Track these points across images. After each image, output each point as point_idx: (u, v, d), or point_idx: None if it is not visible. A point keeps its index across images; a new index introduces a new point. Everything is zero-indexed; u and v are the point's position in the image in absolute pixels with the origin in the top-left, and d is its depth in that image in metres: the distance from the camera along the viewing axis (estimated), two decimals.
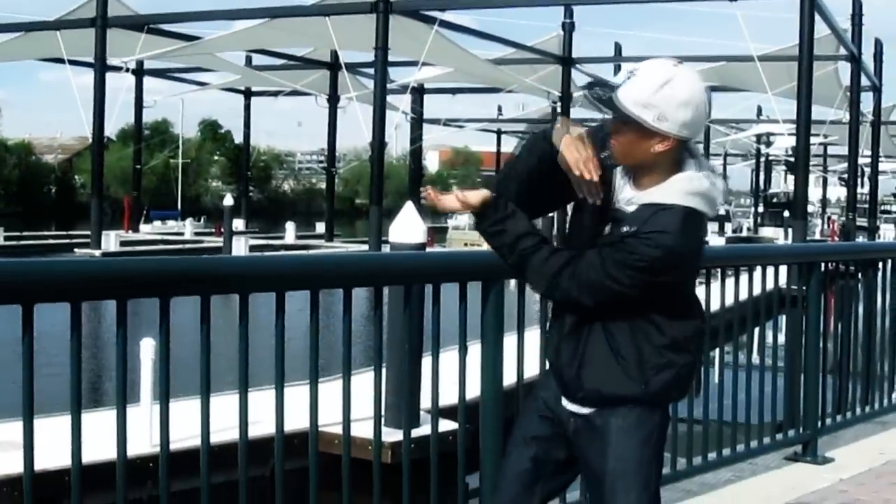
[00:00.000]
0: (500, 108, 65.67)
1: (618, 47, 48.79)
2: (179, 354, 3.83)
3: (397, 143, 76.90)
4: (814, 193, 64.44)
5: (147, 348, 9.51)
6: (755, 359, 7.13)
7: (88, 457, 3.64)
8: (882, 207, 62.30)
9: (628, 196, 3.41)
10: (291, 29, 36.52)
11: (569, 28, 42.61)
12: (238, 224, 44.47)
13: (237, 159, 79.61)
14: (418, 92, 50.57)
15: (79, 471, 3.47)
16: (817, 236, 57.50)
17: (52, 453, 5.60)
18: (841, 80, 39.17)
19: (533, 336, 4.78)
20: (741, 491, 6.31)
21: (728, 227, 69.29)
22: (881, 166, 53.17)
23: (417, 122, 53.86)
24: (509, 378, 4.81)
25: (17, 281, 3.32)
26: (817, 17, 29.92)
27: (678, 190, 3.33)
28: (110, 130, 45.92)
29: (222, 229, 39.57)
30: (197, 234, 48.61)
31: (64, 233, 47.33)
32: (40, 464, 3.50)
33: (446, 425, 5.10)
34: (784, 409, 7.46)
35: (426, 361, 4.56)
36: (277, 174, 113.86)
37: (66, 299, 3.39)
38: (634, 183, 3.43)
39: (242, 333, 3.85)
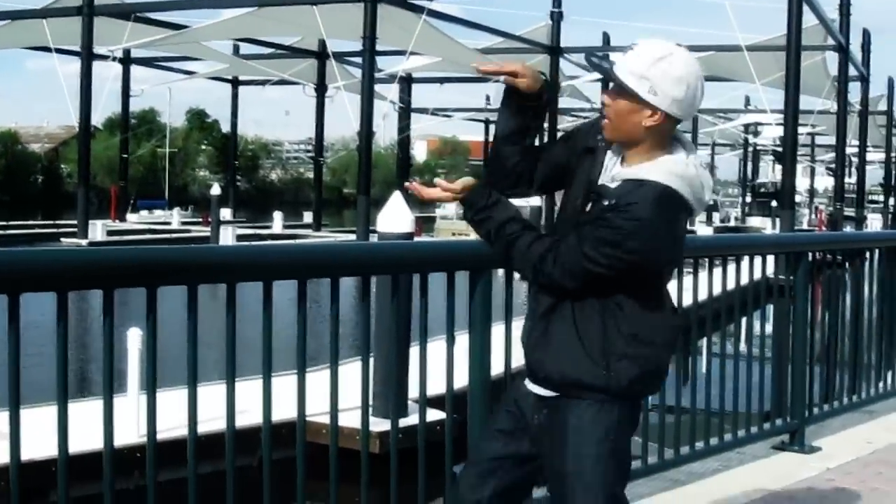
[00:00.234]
0: (487, 98, 65.55)
1: (606, 37, 48.76)
2: (167, 344, 3.82)
3: (385, 133, 76.94)
4: (801, 183, 64.51)
5: (134, 338, 9.49)
6: (743, 348, 7.14)
7: (75, 447, 3.63)
8: (869, 197, 62.41)
9: (614, 173, 3.43)
10: (279, 18, 36.44)
11: (557, 17, 42.61)
12: (225, 213, 44.32)
13: (224, 148, 79.38)
14: (406, 81, 50.55)
15: (65, 461, 3.46)
16: (805, 226, 57.60)
17: (39, 443, 5.59)
18: (829, 70, 39.24)
19: (520, 326, 4.77)
20: (728, 480, 6.32)
21: (716, 216, 69.47)
22: (868, 156, 53.30)
23: (405, 112, 53.85)
24: (497, 368, 4.81)
25: (2, 270, 3.30)
26: (805, 7, 29.95)
27: (662, 169, 3.33)
28: (97, 119, 45.69)
29: (209, 219, 39.49)
30: (184, 223, 48.50)
31: (50, 222, 47.19)
32: (27, 454, 3.49)
33: (434, 415, 5.10)
34: (771, 399, 7.48)
35: (414, 351, 4.56)
36: (265, 164, 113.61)
37: (53, 289, 3.38)
38: (622, 163, 3.46)
39: (230, 323, 3.84)
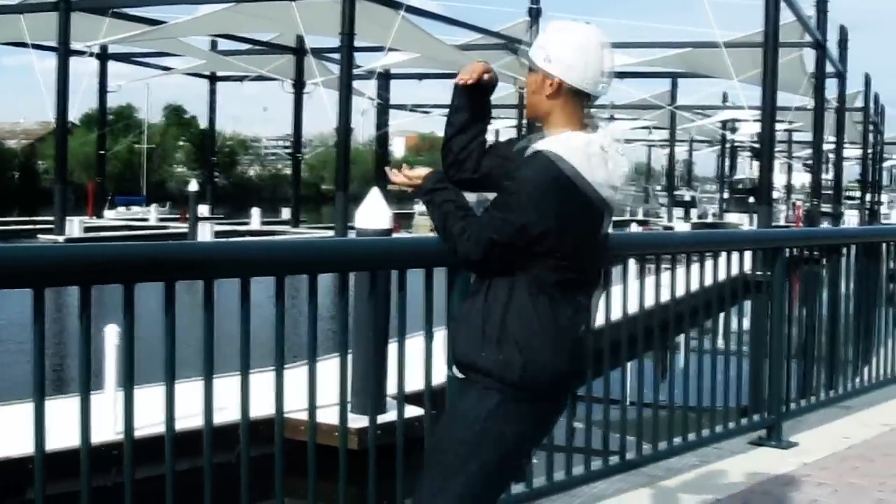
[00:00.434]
0: None
1: None
2: (144, 341, 3.80)
3: (363, 129, 76.78)
4: (779, 179, 64.82)
5: (111, 335, 9.46)
6: (720, 344, 7.16)
7: (52, 444, 3.61)
8: (846, 193, 62.63)
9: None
10: (257, 13, 36.36)
11: (535, 14, 42.61)
12: (203, 210, 44.25)
13: (202, 145, 79.11)
14: (384, 77, 50.53)
15: (42, 458, 3.45)
16: (782, 222, 57.80)
17: (16, 441, 5.57)
18: (806, 67, 39.35)
19: None
20: (706, 475, 6.34)
21: (694, 212, 69.72)
22: (845, 152, 53.47)
23: (383, 108, 53.78)
24: None
25: None
26: (782, 4, 30.04)
27: (559, 141, 3.33)
28: (74, 115, 45.65)
29: (187, 215, 39.38)
30: (162, 219, 48.38)
31: (27, 218, 46.98)
32: (3, 451, 3.48)
33: (412, 411, 5.11)
34: (749, 394, 7.51)
35: (392, 347, 4.56)
36: (243, 160, 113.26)
37: (29, 285, 3.37)
38: None
39: (207, 320, 3.84)
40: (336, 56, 36.41)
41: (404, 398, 4.72)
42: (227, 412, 4.43)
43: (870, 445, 7.31)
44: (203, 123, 76.68)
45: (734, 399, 7.07)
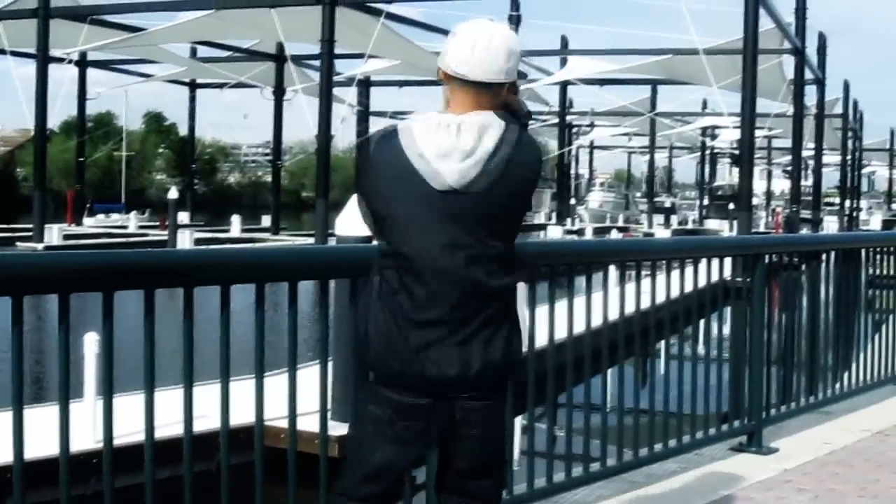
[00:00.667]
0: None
1: (564, 40, 48.95)
2: (124, 349, 3.79)
3: (343, 136, 76.84)
4: (758, 186, 64.94)
5: (90, 343, 9.42)
6: (700, 350, 7.17)
7: (31, 453, 3.59)
8: (825, 200, 62.85)
9: None
10: (237, 20, 36.33)
11: (515, 21, 42.67)
12: (183, 217, 44.12)
13: (182, 152, 78.86)
14: (365, 84, 50.57)
15: (21, 467, 3.43)
16: (762, 228, 57.97)
17: None
18: (785, 74, 39.50)
19: None
20: (687, 482, 6.34)
21: (674, 219, 69.92)
22: (825, 159, 53.68)
23: (364, 115, 53.77)
24: None
25: None
26: (762, 11, 30.16)
27: (419, 117, 3.50)
28: (53, 122, 45.46)
29: (167, 222, 39.26)
30: (141, 227, 48.15)
31: (6, 226, 46.67)
32: None
33: None
34: (729, 400, 7.52)
35: None
36: (223, 167, 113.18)
37: (8, 293, 3.35)
38: None
39: (187, 327, 3.82)
40: (316, 63, 36.40)
41: None
42: (207, 420, 4.41)
43: (850, 451, 7.33)
44: (183, 130, 76.47)
45: (715, 405, 7.08)
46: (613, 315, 6.00)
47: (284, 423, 4.22)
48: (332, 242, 19.09)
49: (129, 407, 4.45)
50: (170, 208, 38.15)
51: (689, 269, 6.77)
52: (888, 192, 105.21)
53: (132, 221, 48.71)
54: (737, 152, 43.02)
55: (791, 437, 7.57)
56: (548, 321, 5.45)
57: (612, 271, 6.28)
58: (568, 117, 60.45)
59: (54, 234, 37.38)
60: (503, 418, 3.63)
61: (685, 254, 7.14)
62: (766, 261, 7.47)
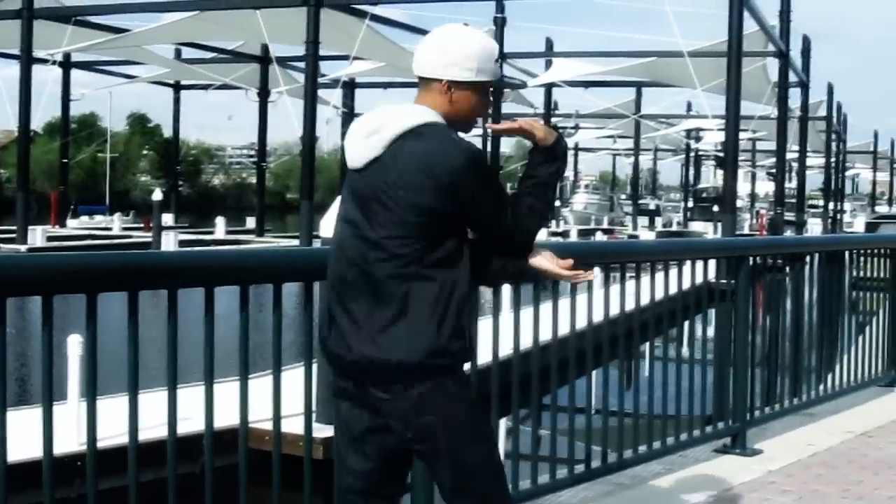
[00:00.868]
0: None
1: (549, 42, 48.95)
2: (108, 351, 3.78)
3: (328, 138, 76.45)
4: (743, 188, 65.09)
5: (74, 345, 9.39)
6: (685, 352, 7.18)
7: (14, 455, 3.58)
8: (809, 202, 62.99)
9: None
10: (221, 22, 36.22)
11: (500, 23, 42.63)
12: (167, 219, 44.03)
13: (166, 153, 78.70)
14: (349, 86, 50.44)
15: (3, 470, 3.42)
16: (746, 230, 58.08)
17: None
18: (769, 77, 39.56)
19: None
20: (671, 483, 6.36)
21: (658, 221, 69.98)
22: (808, 161, 53.74)
23: (348, 117, 53.65)
24: None
25: None
26: (746, 14, 30.19)
27: None
28: (37, 124, 45.27)
29: (151, 224, 39.16)
30: (125, 229, 47.98)
31: None
32: None
33: None
34: (713, 402, 7.53)
35: None
36: (207, 168, 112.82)
37: None
38: None
39: (171, 329, 3.81)
40: (301, 64, 36.31)
41: None
42: (191, 422, 4.40)
43: (834, 452, 7.35)
44: (167, 132, 76.41)
45: (699, 407, 7.09)
46: (598, 317, 6.00)
47: (269, 426, 4.22)
48: (316, 244, 19.07)
49: (113, 409, 4.44)
50: (154, 210, 38.07)
51: (673, 271, 6.78)
52: (871, 194, 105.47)
53: (116, 223, 48.56)
54: (721, 154, 43.06)
55: (775, 439, 7.59)
56: (532, 323, 5.45)
57: (597, 273, 6.28)
58: (553, 119, 60.43)
59: (38, 235, 37.24)
60: (422, 417, 3.45)
61: (670, 256, 7.16)
62: (751, 263, 7.49)
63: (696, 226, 62.84)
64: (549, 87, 52.44)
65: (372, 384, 3.45)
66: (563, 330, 5.66)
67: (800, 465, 6.96)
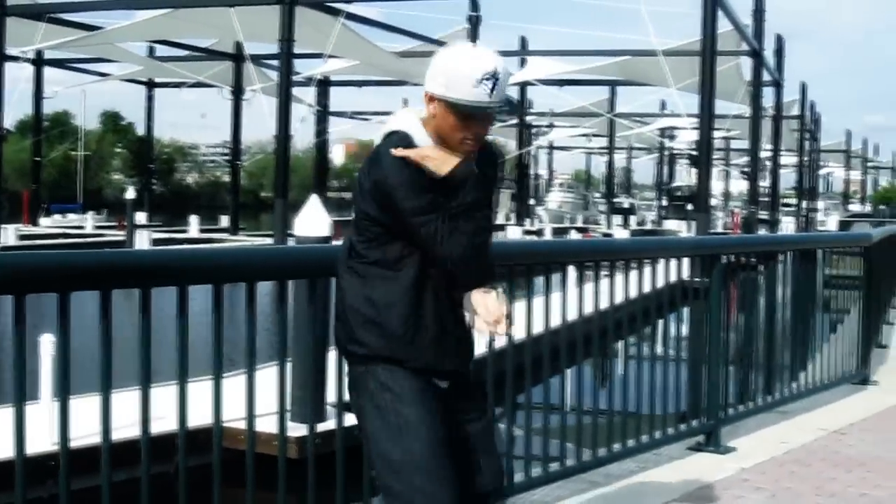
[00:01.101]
0: (405, 101, 65.31)
1: (524, 41, 49.03)
2: (81, 351, 3.76)
3: (303, 136, 76.31)
4: (716, 187, 65.34)
5: (46, 344, 9.35)
6: (659, 350, 7.19)
7: None
8: (783, 200, 63.24)
9: None
10: (195, 19, 36.14)
11: (475, 21, 42.66)
12: (141, 217, 43.83)
13: (140, 151, 78.28)
14: (324, 84, 50.41)
15: None
16: (720, 229, 58.29)
17: None
18: (743, 76, 39.72)
19: None
20: (645, 481, 6.37)
21: (632, 220, 70.19)
22: (782, 160, 53.99)
23: (323, 115, 53.64)
24: None
25: None
26: (720, 13, 30.31)
27: None
28: (9, 122, 45.09)
29: (124, 223, 39.04)
30: (98, 227, 47.79)
31: None
32: None
33: (352, 419, 5.07)
34: (687, 400, 7.55)
35: (332, 355, 4.53)
36: (181, 167, 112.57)
37: None
38: None
39: (144, 328, 3.80)
40: (275, 62, 36.27)
41: (344, 406, 4.69)
42: (164, 421, 4.39)
43: (807, 450, 7.38)
44: (140, 130, 75.96)
45: (673, 405, 7.11)
46: (572, 315, 6.01)
47: (243, 425, 4.21)
48: (291, 243, 19.04)
49: (85, 409, 4.41)
50: (127, 208, 37.96)
51: (647, 270, 6.79)
52: (844, 193, 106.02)
53: (89, 222, 48.37)
54: (695, 153, 43.21)
55: (748, 437, 7.61)
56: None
57: (571, 272, 6.29)
58: (527, 118, 60.50)
59: (10, 234, 37.08)
60: (353, 397, 3.70)
61: (644, 254, 7.17)
62: (724, 261, 7.52)
63: (670, 224, 63.14)
64: (523, 86, 52.47)
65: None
66: (538, 328, 5.66)
67: (773, 462, 6.99)
